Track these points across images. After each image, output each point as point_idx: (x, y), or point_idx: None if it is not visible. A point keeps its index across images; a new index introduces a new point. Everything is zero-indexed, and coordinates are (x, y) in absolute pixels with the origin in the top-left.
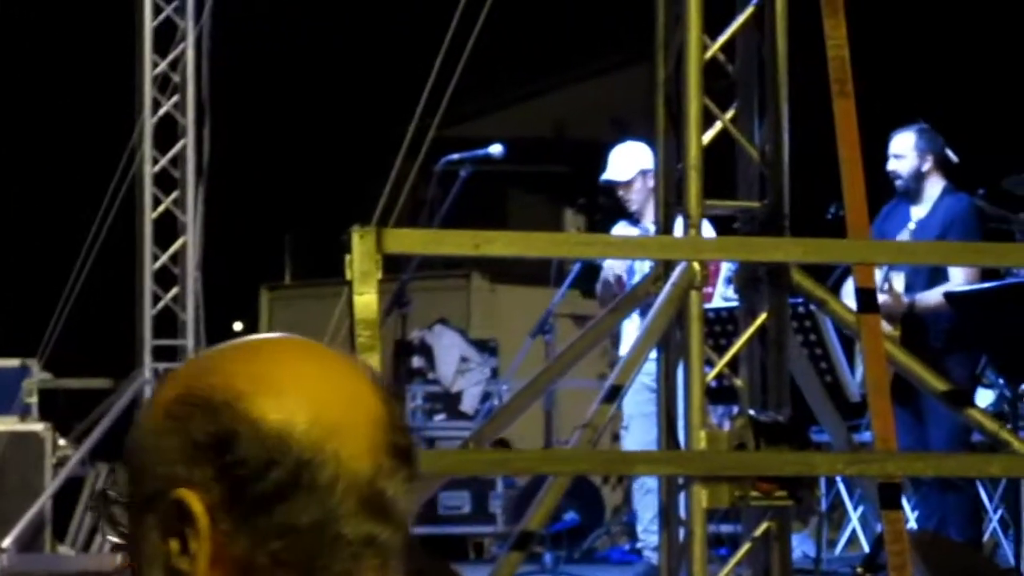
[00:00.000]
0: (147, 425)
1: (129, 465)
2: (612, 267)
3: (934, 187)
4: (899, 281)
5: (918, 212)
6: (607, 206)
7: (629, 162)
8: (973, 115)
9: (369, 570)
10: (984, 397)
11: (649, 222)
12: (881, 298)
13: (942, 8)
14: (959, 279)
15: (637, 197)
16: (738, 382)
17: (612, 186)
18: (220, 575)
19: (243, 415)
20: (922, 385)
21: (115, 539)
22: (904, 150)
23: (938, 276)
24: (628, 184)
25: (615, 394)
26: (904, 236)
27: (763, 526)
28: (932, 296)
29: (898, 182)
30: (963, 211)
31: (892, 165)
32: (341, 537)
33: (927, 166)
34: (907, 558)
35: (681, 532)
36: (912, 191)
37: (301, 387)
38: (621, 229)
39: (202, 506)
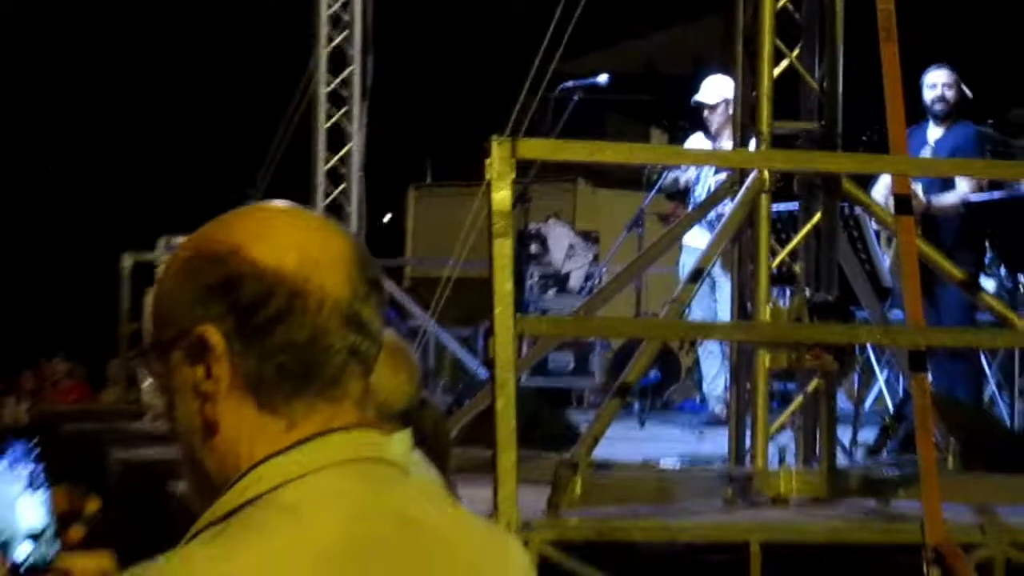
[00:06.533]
0: (167, 282)
1: (155, 316)
2: (687, 176)
3: (952, 114)
4: (917, 188)
5: (934, 134)
6: (685, 127)
7: (717, 89)
8: (982, 55)
9: (353, 375)
10: (986, 285)
11: (723, 141)
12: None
13: None
14: (965, 188)
15: (719, 119)
16: (796, 269)
17: (700, 106)
18: (237, 390)
19: (244, 260)
20: (943, 273)
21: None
22: (951, 81)
23: (947, 186)
24: (713, 108)
25: (698, 275)
26: (926, 153)
27: (814, 383)
28: (946, 199)
29: (940, 107)
30: (972, 135)
31: (939, 93)
32: (331, 347)
33: (959, 96)
34: (930, 411)
35: (747, 387)
36: (944, 116)
37: (288, 236)
38: (697, 140)
39: (219, 336)
